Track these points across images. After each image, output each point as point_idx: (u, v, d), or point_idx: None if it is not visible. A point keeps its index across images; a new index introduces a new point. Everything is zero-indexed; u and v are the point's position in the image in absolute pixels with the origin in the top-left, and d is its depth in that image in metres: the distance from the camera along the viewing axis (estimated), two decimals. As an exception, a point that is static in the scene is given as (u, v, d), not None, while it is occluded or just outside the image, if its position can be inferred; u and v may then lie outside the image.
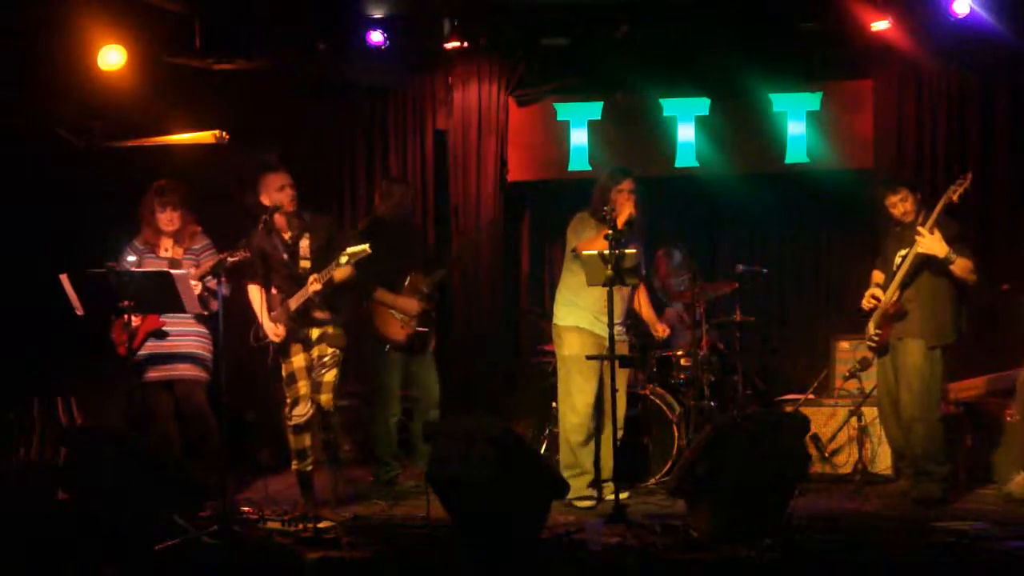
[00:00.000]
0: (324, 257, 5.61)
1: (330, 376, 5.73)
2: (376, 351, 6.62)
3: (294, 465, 5.83)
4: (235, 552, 4.82)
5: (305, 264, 5.69)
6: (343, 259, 5.43)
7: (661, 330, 6.39)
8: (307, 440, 5.77)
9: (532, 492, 4.87)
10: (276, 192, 5.67)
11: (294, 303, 5.68)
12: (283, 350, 5.78)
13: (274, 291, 5.81)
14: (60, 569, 4.64)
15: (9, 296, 6.87)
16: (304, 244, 5.73)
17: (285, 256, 5.75)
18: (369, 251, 5.42)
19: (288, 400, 5.79)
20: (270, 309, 5.79)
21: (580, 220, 6.10)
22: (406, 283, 6.49)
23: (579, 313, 6.08)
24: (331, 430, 5.85)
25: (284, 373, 5.80)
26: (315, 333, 5.77)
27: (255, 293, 5.83)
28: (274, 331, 5.73)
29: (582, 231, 6.05)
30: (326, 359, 5.74)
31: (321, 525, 5.27)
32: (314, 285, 5.56)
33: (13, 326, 6.86)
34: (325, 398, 5.74)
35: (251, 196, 5.74)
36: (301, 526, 5.22)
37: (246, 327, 6.06)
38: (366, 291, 6.48)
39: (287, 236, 5.75)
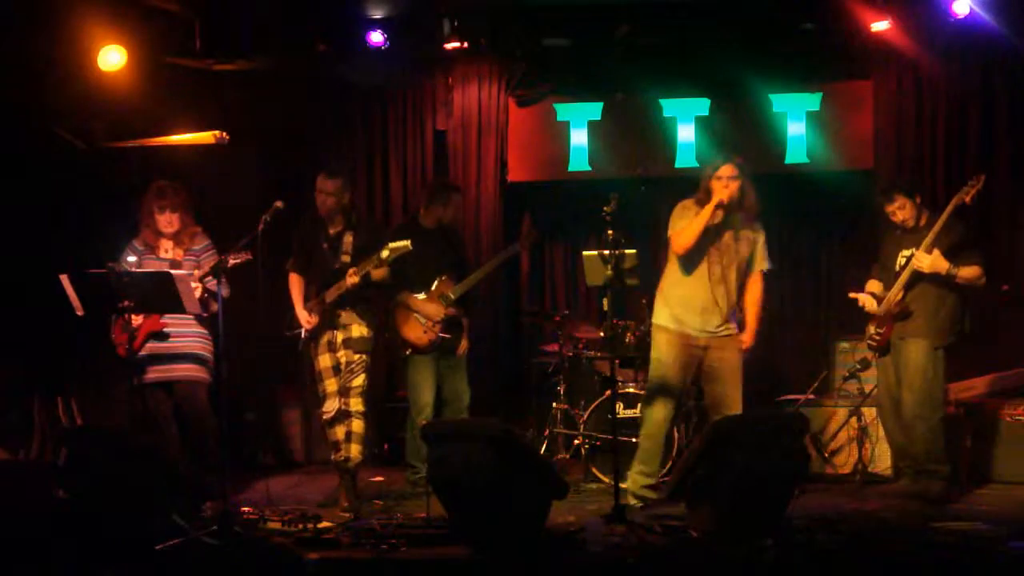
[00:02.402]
0: (365, 256, 5.83)
1: (358, 381, 5.95)
2: (399, 355, 6.65)
3: (332, 456, 6.06)
4: (235, 552, 4.81)
5: (345, 259, 5.94)
6: (384, 253, 5.67)
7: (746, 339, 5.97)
8: (339, 433, 5.97)
9: (532, 492, 4.87)
10: (317, 194, 6.01)
11: (330, 295, 5.92)
12: (313, 346, 6.01)
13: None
14: (60, 569, 4.64)
15: (9, 296, 6.86)
16: (347, 240, 5.98)
17: (326, 247, 6.00)
18: (411, 247, 5.66)
19: (320, 396, 6.07)
20: (306, 300, 6.05)
21: (681, 208, 5.91)
22: (433, 288, 6.49)
23: (666, 311, 5.89)
24: (350, 438, 5.94)
25: (314, 372, 6.08)
26: (340, 336, 5.98)
27: (295, 282, 6.12)
28: (306, 319, 6.00)
29: (677, 219, 5.86)
30: (354, 365, 5.94)
31: (321, 525, 5.28)
32: (352, 278, 5.80)
33: (13, 326, 6.86)
34: (354, 402, 5.93)
35: None
36: (301, 526, 5.23)
37: (247, 328, 6.09)
38: (392, 293, 6.49)
39: (332, 230, 6.02)
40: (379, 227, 6.35)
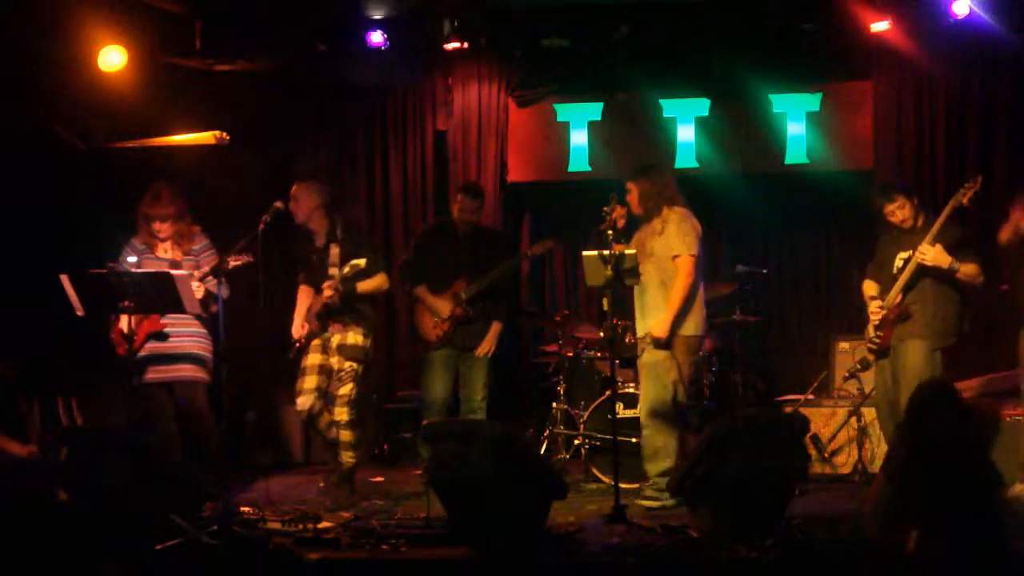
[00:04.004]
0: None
1: (344, 390, 5.94)
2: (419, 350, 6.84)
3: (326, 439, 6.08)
4: (235, 552, 4.81)
5: (333, 271, 5.93)
6: (346, 270, 5.73)
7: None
8: (322, 422, 6.00)
9: (532, 492, 4.87)
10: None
11: (315, 306, 5.97)
12: (304, 347, 6.03)
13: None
14: (60, 569, 4.64)
15: (9, 296, 6.86)
16: (334, 252, 5.97)
17: (315, 260, 6.02)
18: (363, 266, 5.70)
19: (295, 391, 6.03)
20: (311, 309, 6.06)
21: None
22: (451, 286, 6.55)
23: None
24: (337, 444, 5.98)
25: (299, 367, 6.05)
26: (336, 339, 5.99)
27: (302, 292, 6.14)
28: (298, 328, 6.03)
29: None
30: (343, 374, 5.94)
31: (321, 525, 5.27)
32: (327, 292, 5.85)
33: (13, 326, 6.85)
34: (338, 411, 5.93)
35: None
36: (301, 526, 5.22)
37: (246, 328, 6.08)
38: (412, 287, 6.71)
39: (319, 242, 6.05)
40: (363, 236, 6.29)
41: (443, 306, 6.52)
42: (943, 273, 5.79)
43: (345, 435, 5.96)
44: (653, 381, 5.88)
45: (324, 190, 6.08)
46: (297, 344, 6.03)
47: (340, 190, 6.22)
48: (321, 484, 6.05)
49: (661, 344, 5.83)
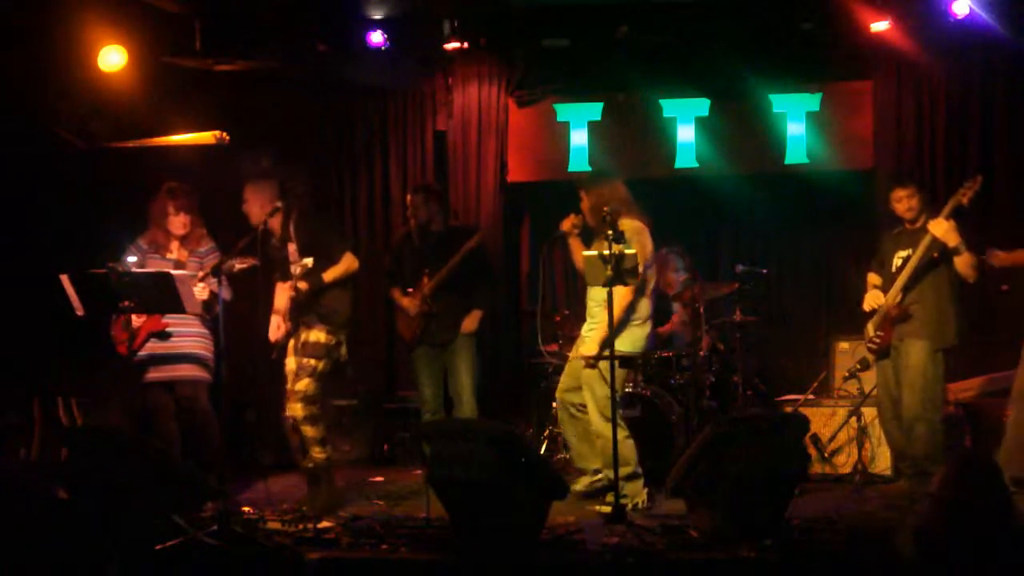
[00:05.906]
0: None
1: (300, 386, 5.83)
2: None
3: (299, 459, 6.02)
4: (235, 552, 4.81)
5: (295, 269, 5.88)
6: (296, 270, 5.72)
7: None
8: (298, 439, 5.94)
9: (532, 492, 4.87)
10: None
11: (284, 305, 5.95)
12: (284, 351, 5.96)
13: None
14: (60, 569, 4.64)
15: (9, 296, 6.86)
16: (291, 247, 5.93)
17: (280, 257, 5.98)
18: (310, 265, 5.71)
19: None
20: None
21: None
22: (420, 286, 6.61)
23: None
24: (303, 442, 5.90)
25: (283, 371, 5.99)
26: (301, 338, 5.93)
27: (279, 290, 6.06)
28: (274, 330, 5.98)
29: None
30: (300, 371, 5.87)
31: (321, 525, 5.27)
32: (289, 291, 5.85)
33: (13, 326, 6.86)
34: (292, 407, 5.85)
35: None
36: (301, 526, 5.22)
37: (247, 327, 6.09)
38: (385, 290, 6.90)
39: (276, 240, 5.97)
40: (317, 227, 6.06)
41: (412, 305, 6.61)
42: (948, 252, 5.77)
43: (307, 430, 5.86)
44: (591, 397, 5.79)
45: (274, 187, 5.95)
46: (275, 348, 6.00)
47: (293, 184, 6.11)
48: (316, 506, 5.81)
49: (590, 363, 5.74)
